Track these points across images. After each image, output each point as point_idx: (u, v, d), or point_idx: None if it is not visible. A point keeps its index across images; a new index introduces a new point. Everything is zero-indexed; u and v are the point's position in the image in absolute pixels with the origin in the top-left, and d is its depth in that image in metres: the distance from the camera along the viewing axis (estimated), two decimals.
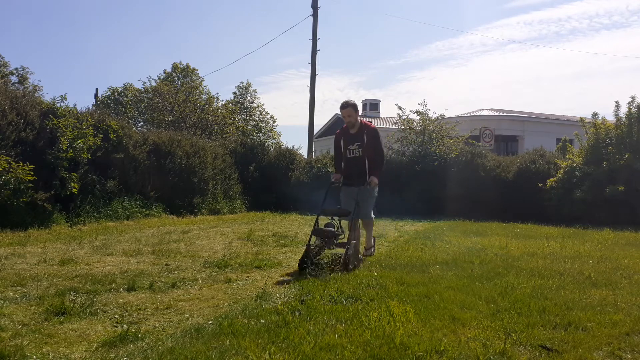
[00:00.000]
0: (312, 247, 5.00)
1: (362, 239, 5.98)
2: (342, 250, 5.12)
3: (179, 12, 75.30)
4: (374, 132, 5.66)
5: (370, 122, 5.78)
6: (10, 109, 8.19)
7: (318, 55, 21.80)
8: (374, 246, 6.12)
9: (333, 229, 5.14)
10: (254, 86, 37.44)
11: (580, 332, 3.05)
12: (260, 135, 35.20)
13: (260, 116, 37.23)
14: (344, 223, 5.62)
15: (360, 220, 5.74)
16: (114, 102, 37.54)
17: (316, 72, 21.60)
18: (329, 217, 5.38)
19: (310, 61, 21.67)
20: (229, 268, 4.99)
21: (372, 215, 5.90)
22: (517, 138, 27.56)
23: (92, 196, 9.19)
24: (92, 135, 9.22)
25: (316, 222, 5.28)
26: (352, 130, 5.69)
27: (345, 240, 5.22)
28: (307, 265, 4.67)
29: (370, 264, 5.26)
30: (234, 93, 35.57)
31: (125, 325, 3.07)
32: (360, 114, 5.94)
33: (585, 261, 5.66)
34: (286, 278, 4.63)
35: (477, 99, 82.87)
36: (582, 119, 13.34)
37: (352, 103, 5.63)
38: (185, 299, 3.79)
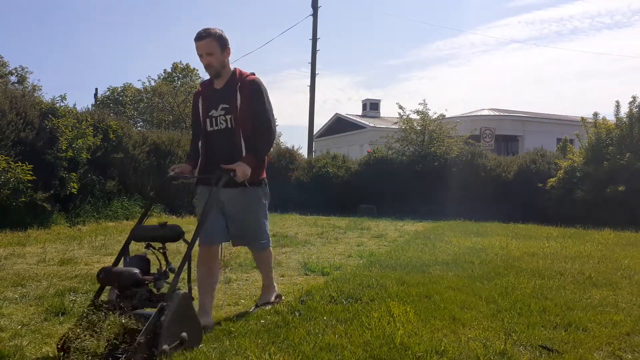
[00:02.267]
0: (100, 307, 2.56)
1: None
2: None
3: (179, 11, 75.36)
4: (254, 87, 3.25)
5: (253, 73, 3.37)
6: (9, 109, 8.19)
7: (318, 55, 21.85)
8: (277, 298, 3.65)
9: (136, 271, 2.64)
10: None
11: (580, 332, 3.04)
12: None
13: None
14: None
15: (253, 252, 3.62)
16: (114, 102, 37.53)
17: (316, 72, 21.63)
18: (146, 244, 2.93)
19: (310, 61, 21.69)
20: (229, 268, 4.98)
21: (268, 238, 3.54)
22: (518, 138, 27.55)
23: (92, 196, 9.20)
24: (91, 135, 9.22)
25: (120, 255, 2.89)
26: (217, 83, 3.32)
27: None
28: (77, 348, 2.35)
29: (370, 264, 5.25)
30: None
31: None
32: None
33: (585, 261, 5.65)
34: (286, 278, 4.63)
35: (478, 99, 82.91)
36: (583, 119, 13.35)
37: (214, 32, 3.16)
38: None
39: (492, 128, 23.36)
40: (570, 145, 13.91)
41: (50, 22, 69.58)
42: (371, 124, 29.70)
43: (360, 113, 33.77)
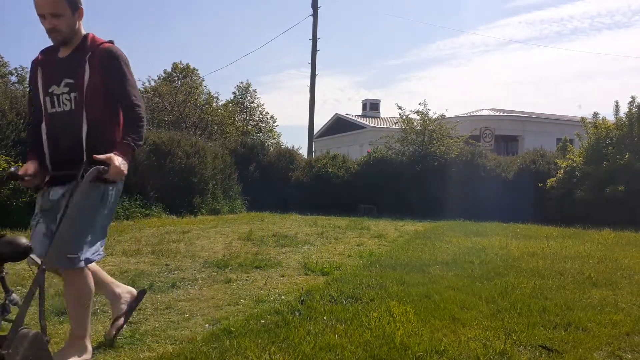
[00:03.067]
0: None
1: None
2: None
3: (179, 11, 75.37)
4: (109, 56, 2.49)
5: (111, 41, 2.58)
6: (10, 109, 8.20)
7: (318, 55, 21.86)
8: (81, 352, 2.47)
9: None
10: (254, 86, 37.35)
11: (580, 332, 3.04)
12: (260, 135, 35.16)
13: (260, 116, 37.19)
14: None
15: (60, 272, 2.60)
16: None
17: (316, 72, 21.63)
18: None
19: (310, 61, 21.70)
20: (229, 268, 4.98)
21: (89, 253, 2.48)
22: (518, 138, 27.57)
23: None
24: None
25: None
26: (62, 51, 2.54)
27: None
28: None
29: (370, 264, 5.26)
30: (233, 93, 35.56)
31: (125, 326, 3.06)
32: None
33: (585, 261, 5.65)
34: (286, 278, 4.63)
35: (478, 99, 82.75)
36: (583, 119, 13.36)
37: None
38: (185, 299, 3.78)
39: (492, 128, 23.35)
40: (570, 145, 13.92)
41: None
42: (371, 124, 29.71)
43: (360, 113, 33.79)
